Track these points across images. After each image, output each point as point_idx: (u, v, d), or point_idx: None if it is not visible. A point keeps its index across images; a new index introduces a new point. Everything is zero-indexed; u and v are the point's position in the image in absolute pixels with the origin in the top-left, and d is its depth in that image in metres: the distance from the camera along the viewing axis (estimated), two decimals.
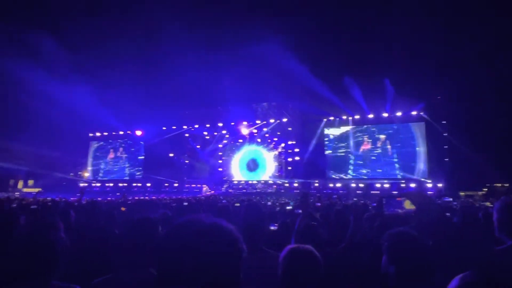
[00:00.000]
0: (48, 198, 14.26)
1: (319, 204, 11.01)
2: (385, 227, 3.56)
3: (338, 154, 27.91)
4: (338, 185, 26.34)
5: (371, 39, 23.56)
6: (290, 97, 27.75)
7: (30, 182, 30.79)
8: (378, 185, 25.01)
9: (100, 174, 33.81)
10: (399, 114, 25.86)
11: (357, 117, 27.23)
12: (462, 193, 20.88)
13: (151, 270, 1.74)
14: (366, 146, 27.06)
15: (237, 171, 30.59)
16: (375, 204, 12.08)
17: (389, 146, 26.18)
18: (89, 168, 34.10)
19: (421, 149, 25.19)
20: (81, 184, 31.84)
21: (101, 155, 34.27)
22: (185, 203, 11.24)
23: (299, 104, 27.69)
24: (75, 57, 23.62)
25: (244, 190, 28.12)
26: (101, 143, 34.54)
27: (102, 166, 33.99)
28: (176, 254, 0.86)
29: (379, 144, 26.60)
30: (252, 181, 29.76)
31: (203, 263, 0.84)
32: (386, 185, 24.82)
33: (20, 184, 30.05)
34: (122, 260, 1.83)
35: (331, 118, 28.16)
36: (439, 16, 21.57)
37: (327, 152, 28.23)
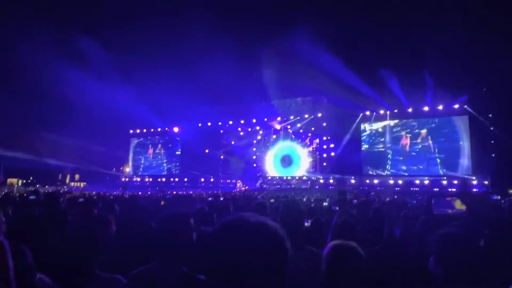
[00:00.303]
0: (93, 192, 15.10)
1: (355, 201, 10.81)
2: (427, 226, 3.45)
3: (376, 149, 27.15)
4: (376, 181, 25.65)
5: (409, 28, 22.54)
6: (325, 91, 27.31)
7: (77, 176, 32.72)
8: (417, 182, 24.08)
9: (140, 169, 35.22)
10: (440, 107, 24.65)
11: (395, 111, 26.27)
12: (511, 191, 19.59)
13: (184, 268, 1.77)
14: (405, 141, 26.08)
15: (271, 167, 30.64)
16: (414, 201, 11.67)
17: (430, 142, 25.06)
18: (130, 163, 35.62)
19: (465, 144, 23.89)
20: (123, 179, 33.37)
21: (141, 150, 35.67)
22: (221, 198, 11.47)
23: (334, 99, 27.17)
24: (117, 58, 24.75)
25: (279, 186, 28.14)
26: (141, 139, 35.94)
27: (142, 162, 35.39)
28: (222, 253, 0.87)
29: (419, 139, 25.54)
30: (286, 177, 29.70)
31: (250, 262, 0.84)
32: (426, 182, 23.83)
33: (68, 178, 31.98)
34: (157, 254, 1.87)
35: (368, 112, 27.38)
36: (484, 2, 20.25)
37: (363, 147, 27.55)
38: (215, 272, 0.88)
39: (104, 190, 20.24)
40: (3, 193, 13.24)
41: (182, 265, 1.80)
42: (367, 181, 25.89)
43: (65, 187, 26.03)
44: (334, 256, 1.61)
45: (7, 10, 20.86)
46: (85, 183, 27.20)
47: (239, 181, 30.23)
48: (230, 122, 31.55)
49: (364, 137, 27.64)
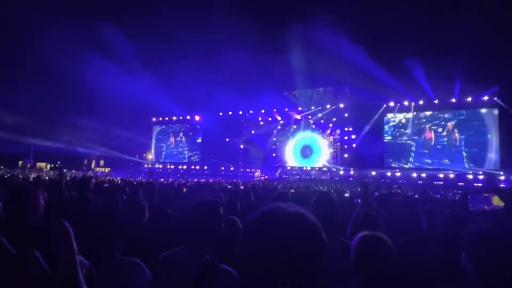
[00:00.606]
0: (118, 178, 15.56)
1: (377, 193, 10.68)
2: (451, 221, 3.39)
3: (399, 141, 26.57)
4: (398, 174, 25.17)
5: (436, 14, 21.60)
6: (348, 81, 26.83)
7: (101, 162, 33.75)
8: (441, 176, 23.47)
9: (162, 157, 35.92)
10: (469, 99, 23.76)
11: (420, 102, 25.51)
12: None
13: (207, 255, 1.78)
14: (430, 134, 25.37)
15: (291, 157, 30.56)
16: (438, 196, 11.41)
17: (456, 135, 24.28)
18: (152, 150, 36.37)
19: (493, 138, 23.01)
20: (146, 166, 34.16)
21: (163, 138, 36.33)
22: (241, 187, 11.58)
23: (357, 89, 26.65)
24: (140, 47, 25.21)
25: (298, 176, 28.08)
26: (163, 127, 36.56)
27: (163, 149, 36.07)
28: (260, 245, 0.85)
29: (445, 132, 24.78)
30: (306, 167, 29.58)
31: (288, 254, 0.82)
32: (451, 176, 23.19)
33: (93, 164, 33.03)
34: (183, 240, 1.90)
35: (391, 103, 26.73)
36: None
37: (386, 139, 27.01)
38: (250, 262, 0.87)
39: (127, 176, 20.82)
40: (34, 176, 13.85)
41: (206, 253, 1.81)
42: (389, 173, 25.44)
43: (90, 172, 26.93)
44: (363, 246, 1.62)
45: None
46: (110, 169, 28.06)
47: (258, 170, 30.35)
48: (251, 112, 31.56)
49: (387, 129, 27.08)
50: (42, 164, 30.43)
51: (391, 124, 27.05)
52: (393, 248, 1.64)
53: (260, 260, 0.85)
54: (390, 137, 26.92)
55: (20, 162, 28.42)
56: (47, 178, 11.93)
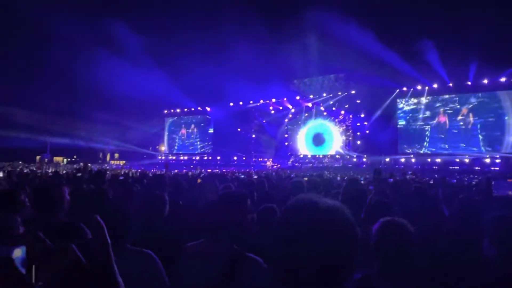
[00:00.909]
0: (133, 170, 15.81)
1: (391, 180, 10.59)
2: (467, 207, 3.35)
3: (413, 127, 26.17)
4: (412, 160, 24.88)
5: None
6: (359, 67, 26.42)
7: (116, 155, 34.31)
8: (457, 160, 23.09)
9: (175, 148, 36.28)
10: (485, 81, 23.14)
11: (434, 86, 24.99)
12: None
13: (235, 246, 1.79)
14: (443, 119, 24.90)
15: (303, 145, 30.47)
16: (454, 181, 11.25)
17: (471, 118, 23.77)
18: (165, 142, 36.76)
19: (510, 121, 22.45)
20: (159, 157, 34.59)
21: (175, 130, 36.64)
22: (255, 176, 11.63)
23: (369, 75, 26.25)
24: (151, 42, 25.43)
25: (311, 165, 28.04)
26: (175, 118, 36.84)
27: (176, 141, 36.41)
28: (294, 239, 0.85)
29: (460, 116, 24.28)
30: (318, 155, 29.48)
31: (320, 248, 0.82)
32: (467, 160, 22.81)
33: (108, 157, 33.63)
34: (209, 230, 1.91)
35: (404, 88, 26.26)
36: None
37: (399, 125, 26.64)
38: (281, 253, 0.87)
39: (142, 168, 21.13)
40: (52, 170, 14.19)
41: (233, 243, 1.81)
42: (403, 159, 25.16)
43: (106, 165, 27.42)
44: (385, 231, 1.62)
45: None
46: (124, 162, 28.58)
47: (270, 159, 30.40)
48: (261, 101, 31.47)
49: (400, 114, 26.69)
50: (59, 159, 31.12)
51: (404, 109, 26.64)
52: (413, 233, 1.65)
53: (291, 252, 0.84)
54: (403, 123, 26.54)
55: (37, 157, 29.10)
56: (64, 172, 12.22)
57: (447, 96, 24.92)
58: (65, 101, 27.45)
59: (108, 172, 14.17)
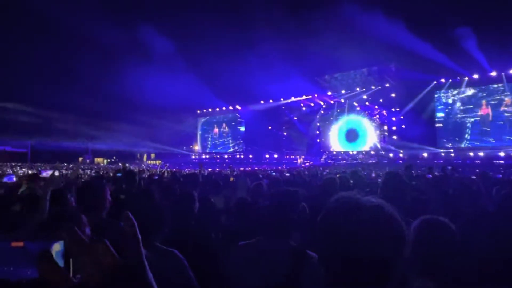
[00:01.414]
0: (168, 169, 16.26)
1: (430, 176, 10.17)
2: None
3: (452, 120, 24.90)
4: (452, 154, 23.70)
5: None
6: (392, 60, 25.53)
7: (152, 155, 35.50)
8: (502, 154, 21.71)
9: (208, 147, 36.93)
10: None
11: (475, 76, 23.62)
12: None
13: (291, 242, 1.85)
14: (486, 111, 23.48)
15: (336, 142, 29.93)
16: (500, 176, 10.60)
17: None
18: (198, 142, 37.52)
19: None
20: (193, 156, 35.39)
21: (207, 129, 37.29)
22: (287, 174, 11.60)
23: (403, 67, 25.29)
24: (181, 46, 26.15)
25: (344, 161, 27.49)
26: (207, 118, 37.49)
27: (209, 140, 37.05)
28: (337, 241, 0.83)
29: (504, 107, 22.78)
30: (352, 151, 28.84)
31: (368, 248, 0.79)
32: None
33: (145, 157, 34.86)
34: (265, 229, 1.94)
35: (442, 80, 25.05)
36: None
37: (438, 118, 25.45)
38: (327, 253, 0.86)
39: (176, 167, 21.69)
40: (94, 171, 14.91)
41: (291, 240, 1.85)
42: (442, 154, 24.04)
43: (143, 165, 28.43)
44: (425, 230, 1.55)
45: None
46: (160, 161, 29.52)
47: (301, 157, 30.14)
48: (292, 98, 31.26)
49: (438, 107, 25.50)
50: (100, 160, 32.65)
51: (442, 101, 25.43)
52: (455, 232, 1.57)
53: (336, 254, 0.83)
54: (442, 116, 25.33)
55: (80, 158, 30.75)
56: (106, 173, 12.80)
57: (489, 86, 23.46)
58: (105, 106, 28.81)
59: (145, 171, 14.69)
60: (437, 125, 25.40)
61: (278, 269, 1.69)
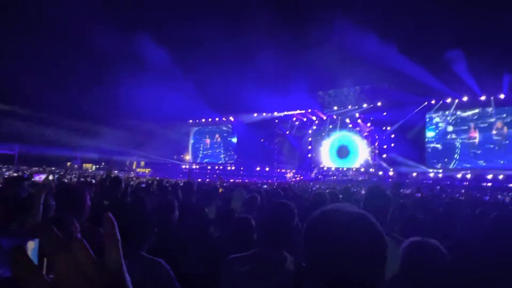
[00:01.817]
0: (156, 178, 16.09)
1: (419, 194, 10.24)
2: (499, 224, 3.15)
3: (442, 141, 25.26)
4: (440, 175, 23.96)
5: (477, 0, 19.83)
6: (384, 80, 25.98)
7: (142, 163, 35.14)
8: (490, 177, 22.01)
9: (199, 157, 36.74)
10: None
11: (464, 99, 24.13)
12: None
13: (284, 252, 1.81)
14: (474, 134, 23.89)
15: (327, 158, 30.07)
16: (487, 198, 10.73)
17: (505, 132, 22.67)
18: (190, 151, 37.32)
19: None
20: (183, 166, 35.13)
21: (199, 138, 37.18)
22: (278, 189, 11.55)
23: (396, 87, 25.71)
24: (176, 55, 26.27)
25: (334, 177, 27.57)
26: (199, 127, 37.43)
27: (200, 150, 36.89)
28: (321, 247, 0.84)
29: (494, 131, 23.20)
30: (342, 168, 28.98)
31: (350, 256, 0.80)
32: (501, 177, 21.69)
33: (134, 165, 34.51)
34: (260, 240, 1.93)
35: (433, 101, 25.52)
36: None
37: (428, 139, 25.81)
38: (312, 262, 0.87)
39: (166, 176, 21.50)
40: (76, 176, 14.67)
41: (284, 252, 1.83)
42: (431, 174, 24.29)
43: (132, 173, 28.10)
44: (415, 253, 1.52)
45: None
46: (150, 170, 29.28)
47: (292, 171, 30.16)
48: (285, 112, 31.45)
49: (428, 128, 25.88)
50: (88, 165, 32.20)
51: (433, 122, 25.83)
52: (447, 256, 1.54)
53: (322, 261, 0.84)
54: (432, 136, 25.69)
55: (68, 163, 30.27)
56: (91, 180, 12.59)
57: (478, 110, 23.94)
58: (95, 111, 28.57)
59: (133, 179, 14.51)
60: (427, 145, 25.73)
61: (277, 282, 1.65)
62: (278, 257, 1.78)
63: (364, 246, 0.82)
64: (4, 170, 18.26)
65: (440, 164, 24.91)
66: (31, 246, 0.49)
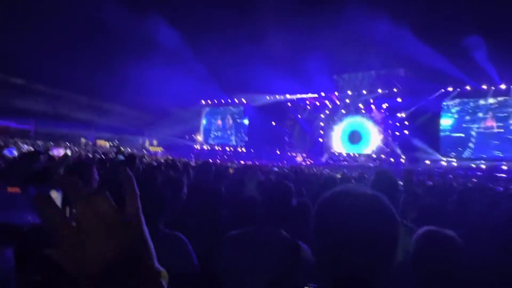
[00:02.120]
0: (169, 157, 16.30)
1: (430, 183, 10.13)
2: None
3: (458, 129, 24.73)
4: (454, 164, 23.59)
5: None
6: (400, 65, 25.37)
7: (155, 142, 35.57)
8: (505, 167, 21.56)
9: (211, 137, 36.92)
10: None
11: (484, 87, 23.44)
12: None
13: (283, 232, 1.84)
14: (491, 123, 23.30)
15: (338, 143, 29.83)
16: (501, 188, 10.53)
17: None
18: (201, 132, 37.51)
19: None
20: (195, 146, 35.46)
21: (211, 120, 37.25)
22: (286, 170, 11.58)
23: (412, 73, 25.10)
24: (187, 36, 26.18)
25: (345, 163, 27.42)
26: (211, 109, 37.45)
27: (211, 131, 37.03)
28: (332, 229, 0.83)
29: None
30: (354, 153, 28.76)
31: (364, 237, 0.79)
32: None
33: (147, 143, 34.95)
34: (258, 219, 1.96)
35: (450, 88, 24.87)
36: None
37: (443, 126, 25.29)
38: (323, 244, 0.85)
39: (178, 156, 21.74)
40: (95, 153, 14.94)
41: (282, 230, 1.86)
42: (444, 163, 23.93)
43: (144, 150, 28.51)
44: (428, 244, 1.47)
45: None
46: (162, 148, 29.69)
47: (303, 155, 30.09)
48: (298, 95, 31.12)
49: (444, 115, 25.33)
50: (102, 142, 32.76)
51: (449, 110, 25.25)
52: (462, 247, 1.48)
53: (333, 243, 0.82)
54: (448, 125, 25.16)
55: (82, 139, 30.88)
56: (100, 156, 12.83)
57: (497, 98, 23.27)
58: (109, 88, 28.86)
59: (146, 157, 14.72)
60: (441, 133, 25.26)
61: (272, 260, 1.68)
62: (276, 235, 1.80)
63: (377, 231, 0.80)
64: (21, 144, 18.73)
65: (454, 153, 24.49)
66: (54, 195, 0.51)
